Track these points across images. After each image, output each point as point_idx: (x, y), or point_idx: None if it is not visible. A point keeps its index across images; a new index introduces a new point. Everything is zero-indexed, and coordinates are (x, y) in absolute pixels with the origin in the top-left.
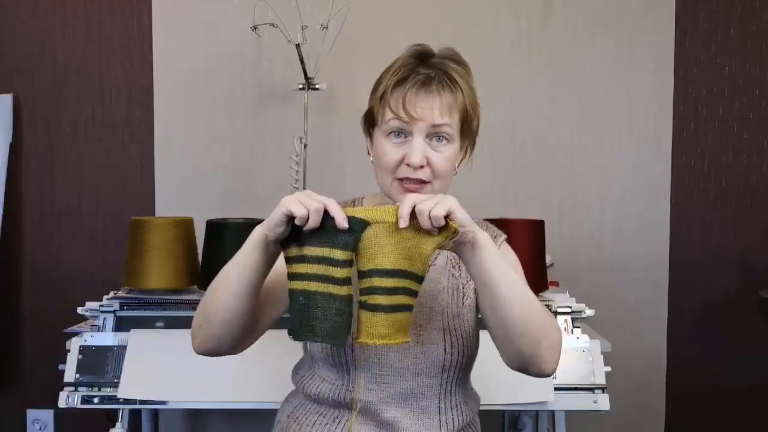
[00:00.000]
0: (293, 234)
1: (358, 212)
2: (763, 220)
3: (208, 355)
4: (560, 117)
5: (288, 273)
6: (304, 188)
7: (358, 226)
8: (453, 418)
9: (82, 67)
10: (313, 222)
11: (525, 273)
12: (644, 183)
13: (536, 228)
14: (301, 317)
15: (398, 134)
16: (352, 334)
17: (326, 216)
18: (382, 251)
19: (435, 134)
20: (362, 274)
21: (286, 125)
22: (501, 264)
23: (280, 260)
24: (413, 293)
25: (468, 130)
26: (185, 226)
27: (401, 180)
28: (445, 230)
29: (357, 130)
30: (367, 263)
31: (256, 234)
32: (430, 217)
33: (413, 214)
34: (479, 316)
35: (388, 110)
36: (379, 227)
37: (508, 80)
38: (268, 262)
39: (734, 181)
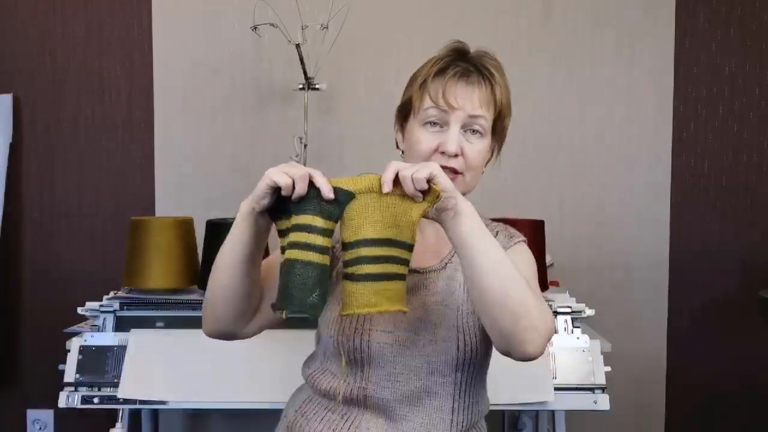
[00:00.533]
0: (283, 207)
1: (342, 183)
2: (763, 220)
3: (217, 338)
4: (560, 117)
5: (280, 247)
6: None
7: (343, 197)
8: (464, 419)
9: (82, 67)
10: (300, 189)
11: None
12: (644, 183)
13: (536, 228)
14: (281, 286)
15: (434, 124)
16: (340, 308)
17: (311, 186)
18: (367, 220)
19: (470, 126)
20: (348, 246)
21: (286, 125)
22: (483, 236)
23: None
24: (403, 261)
25: (500, 128)
26: (185, 226)
27: None
28: (429, 196)
29: (357, 129)
30: (353, 234)
31: (243, 207)
32: (413, 181)
33: (397, 182)
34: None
35: (428, 99)
36: (364, 197)
37: (509, 80)
38: (259, 235)
39: (734, 181)
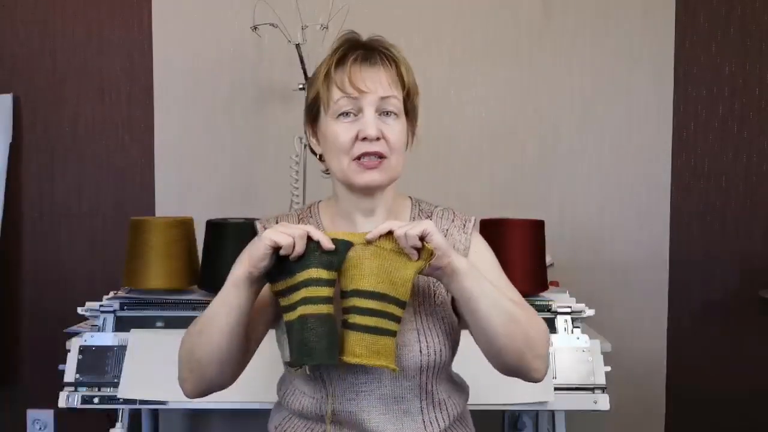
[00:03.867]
0: (277, 268)
1: (339, 235)
2: (763, 220)
3: (200, 397)
4: (560, 117)
5: (281, 306)
6: (304, 188)
7: (342, 246)
8: (437, 417)
9: (82, 67)
10: (300, 247)
11: (525, 273)
12: (644, 183)
13: (536, 228)
14: (297, 343)
15: (347, 114)
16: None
17: (309, 240)
18: (362, 272)
19: (384, 108)
20: (344, 294)
21: (286, 125)
22: (480, 284)
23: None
24: (395, 318)
25: (411, 107)
26: (185, 226)
27: (358, 159)
28: (424, 253)
29: None
30: (349, 283)
31: (239, 273)
32: (406, 237)
33: (391, 237)
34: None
35: (335, 90)
36: (361, 249)
37: (509, 80)
38: (254, 299)
39: (734, 181)
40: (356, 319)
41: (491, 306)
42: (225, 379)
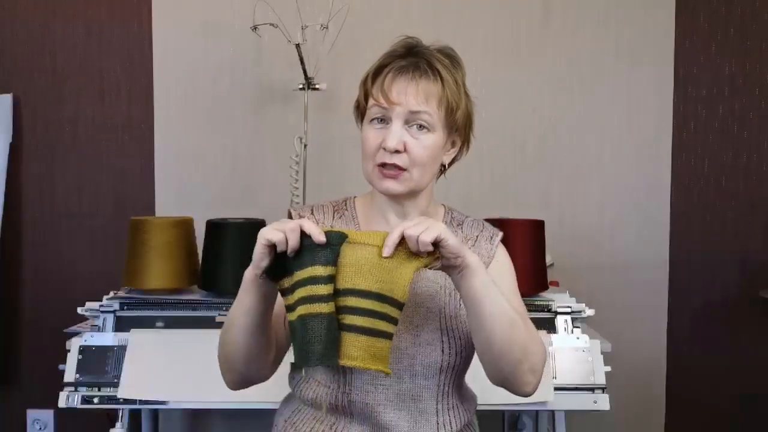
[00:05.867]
0: (281, 266)
1: (335, 232)
2: (763, 220)
3: (243, 388)
4: (560, 117)
5: (285, 306)
6: (304, 189)
7: (335, 239)
8: (450, 420)
9: (82, 67)
10: (293, 241)
11: (525, 273)
12: (644, 183)
13: (536, 228)
14: (297, 345)
15: (380, 120)
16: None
17: (303, 236)
18: (360, 271)
19: (414, 121)
20: (339, 293)
21: (286, 125)
22: (489, 287)
23: None
24: (392, 320)
25: (453, 122)
26: (185, 226)
27: (381, 166)
28: (428, 256)
29: (357, 130)
30: (345, 282)
31: (247, 276)
32: (417, 242)
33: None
34: None
35: (370, 97)
36: (361, 248)
37: (509, 80)
38: (267, 298)
39: (734, 181)
40: (353, 319)
41: (496, 309)
42: (256, 374)
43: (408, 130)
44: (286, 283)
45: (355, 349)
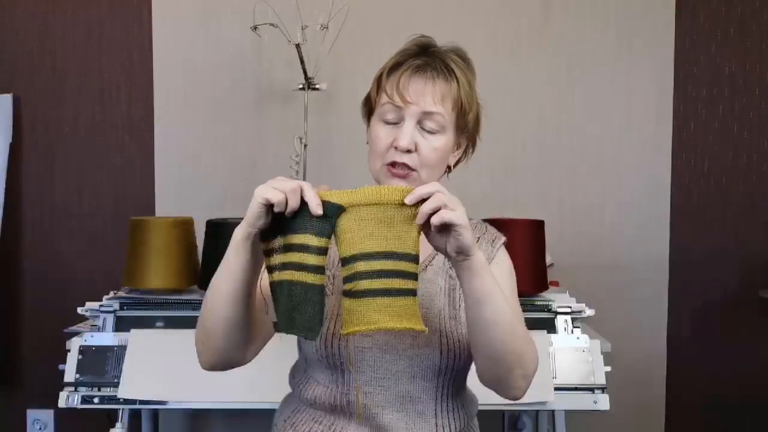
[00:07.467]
0: (273, 225)
1: (336, 195)
2: (763, 220)
3: (217, 370)
4: (560, 117)
5: (267, 266)
6: None
7: (332, 211)
8: (450, 422)
9: (82, 67)
10: (294, 202)
11: (525, 273)
12: (644, 183)
13: (536, 228)
14: (281, 310)
15: (392, 119)
16: (340, 327)
17: (302, 202)
18: (362, 233)
19: (427, 122)
20: (344, 261)
21: (286, 125)
22: (492, 288)
23: None
24: (409, 275)
25: (464, 124)
26: (185, 226)
27: (390, 165)
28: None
29: (357, 130)
30: (348, 248)
31: (239, 235)
32: (440, 216)
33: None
34: None
35: (383, 94)
36: (358, 209)
37: (508, 80)
38: (257, 261)
39: (734, 181)
40: (363, 284)
41: (498, 311)
42: (235, 352)
43: (420, 131)
44: (275, 243)
45: (373, 314)
